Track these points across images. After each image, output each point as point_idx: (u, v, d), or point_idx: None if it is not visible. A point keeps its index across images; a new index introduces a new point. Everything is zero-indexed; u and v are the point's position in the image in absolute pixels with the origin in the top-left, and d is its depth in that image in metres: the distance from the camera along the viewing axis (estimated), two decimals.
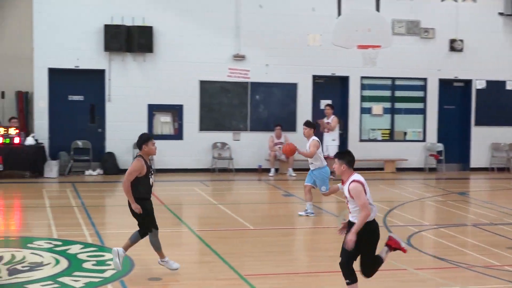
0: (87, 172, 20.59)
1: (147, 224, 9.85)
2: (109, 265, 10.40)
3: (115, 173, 20.49)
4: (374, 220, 8.22)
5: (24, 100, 20.90)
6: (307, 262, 11.39)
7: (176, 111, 21.46)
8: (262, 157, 21.93)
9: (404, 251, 8.68)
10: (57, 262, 10.64)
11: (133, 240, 9.97)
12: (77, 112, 21.00)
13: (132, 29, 20.66)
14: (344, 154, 8.46)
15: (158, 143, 20.72)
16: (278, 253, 11.54)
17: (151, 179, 9.84)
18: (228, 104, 21.82)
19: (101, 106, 21.00)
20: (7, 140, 19.33)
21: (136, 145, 10.04)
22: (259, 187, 19.92)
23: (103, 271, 10.11)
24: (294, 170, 21.44)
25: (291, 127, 22.21)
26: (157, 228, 9.95)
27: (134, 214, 9.84)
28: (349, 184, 8.19)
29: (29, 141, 19.65)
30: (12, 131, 19.47)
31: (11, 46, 20.69)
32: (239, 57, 21.70)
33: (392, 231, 12.97)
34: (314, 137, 14.54)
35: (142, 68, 21.06)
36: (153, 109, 21.27)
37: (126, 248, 9.95)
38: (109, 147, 20.95)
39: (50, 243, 11.88)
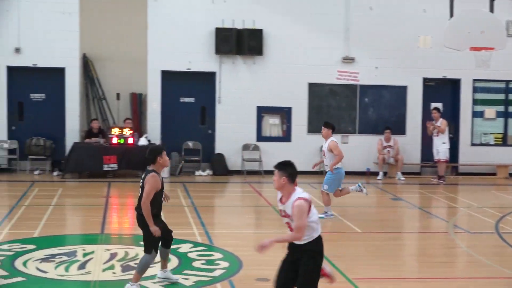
0: (197, 173, 20.96)
1: (151, 243, 9.08)
2: (218, 264, 10.57)
3: (224, 174, 20.79)
4: (320, 239, 7.38)
5: (138, 102, 21.44)
6: (414, 268, 11.24)
7: (284, 113, 21.57)
8: (371, 160, 21.75)
9: (330, 280, 7.77)
10: (168, 260, 10.88)
11: (164, 257, 9.53)
12: (188, 113, 21.39)
13: (243, 32, 20.91)
14: (285, 165, 7.47)
15: (266, 145, 21.27)
16: (385, 258, 11.44)
17: (163, 194, 9.18)
18: (336, 107, 21.77)
19: (211, 108, 21.34)
20: (122, 141, 19.85)
21: (148, 158, 9.06)
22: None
23: (212, 270, 10.27)
24: (403, 174, 21.17)
25: (400, 130, 21.95)
26: (157, 252, 9.21)
27: (144, 231, 9.10)
28: (294, 202, 7.22)
29: (142, 141, 20.11)
30: (127, 131, 19.96)
31: (127, 49, 21.27)
32: (348, 60, 21.62)
33: (504, 238, 12.66)
34: (333, 138, 14.41)
35: (251, 71, 21.28)
36: (262, 111, 21.45)
37: (163, 267, 9.57)
38: (219, 148, 21.26)
39: None
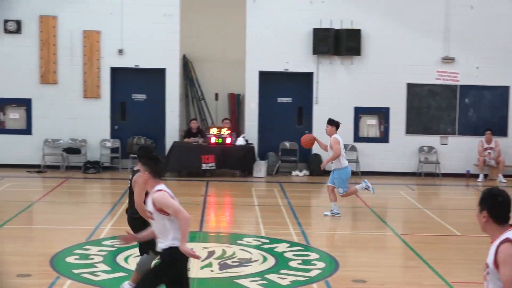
0: (293, 173, 21.01)
1: (148, 243, 8.50)
2: (315, 264, 10.59)
3: (320, 174, 20.70)
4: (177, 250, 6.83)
5: (236, 102, 21.66)
6: None
7: (382, 114, 21.37)
8: (471, 162, 21.30)
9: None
10: (265, 259, 10.93)
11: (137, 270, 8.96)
12: (285, 113, 21.47)
13: (340, 33, 20.84)
14: (149, 160, 7.03)
15: (363, 145, 21.14)
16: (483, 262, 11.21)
17: None
18: (436, 107, 21.42)
19: (308, 108, 21.36)
20: (220, 140, 20.08)
21: (140, 158, 8.49)
22: (467, 193, 19.39)
23: (308, 270, 10.31)
24: (505, 176, 20.64)
25: (502, 132, 21.40)
26: (156, 253, 8.49)
27: (136, 232, 8.51)
28: (154, 195, 6.85)
29: (240, 141, 20.29)
30: (225, 131, 20.19)
31: (225, 50, 21.52)
32: (448, 60, 21.23)
33: None
34: (336, 135, 14.40)
35: (349, 71, 21.18)
36: (359, 112, 21.32)
37: (134, 280, 8.91)
38: (316, 148, 21.22)
39: (258, 240, 12.25)
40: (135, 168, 8.76)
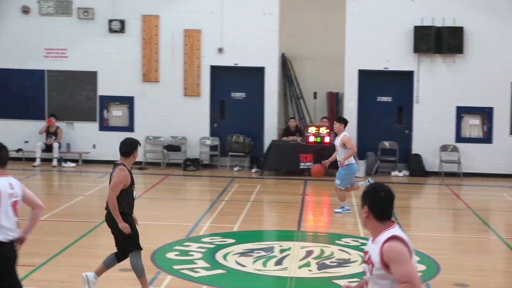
0: (393, 173, 20.72)
1: (131, 244, 8.50)
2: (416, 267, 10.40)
3: (421, 175, 20.39)
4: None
5: (334, 101, 21.54)
6: None
7: (485, 113, 20.81)
8: None
9: None
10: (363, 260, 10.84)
11: (108, 264, 8.76)
12: (384, 113, 21.21)
13: (442, 30, 20.41)
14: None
15: (465, 146, 20.67)
16: None
17: (134, 191, 8.61)
18: None
19: (408, 107, 21.02)
20: (318, 139, 20.02)
21: (122, 152, 8.61)
22: None
23: None
24: None
25: None
26: (140, 248, 8.60)
27: (115, 231, 8.54)
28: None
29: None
30: (323, 130, 20.10)
31: (324, 49, 21.38)
32: None
33: None
34: (345, 133, 14.29)
35: (451, 70, 20.72)
36: (462, 111, 20.82)
37: (99, 273, 8.77)
38: (416, 148, 20.89)
39: (357, 241, 12.13)
40: (118, 162, 8.61)
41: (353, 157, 14.47)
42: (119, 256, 8.68)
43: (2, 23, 20.90)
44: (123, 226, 8.33)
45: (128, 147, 8.58)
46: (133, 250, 8.49)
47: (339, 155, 14.38)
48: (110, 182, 8.49)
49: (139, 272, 8.54)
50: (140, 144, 8.84)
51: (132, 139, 8.74)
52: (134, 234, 8.48)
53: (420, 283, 4.93)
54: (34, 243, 10.38)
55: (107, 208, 8.51)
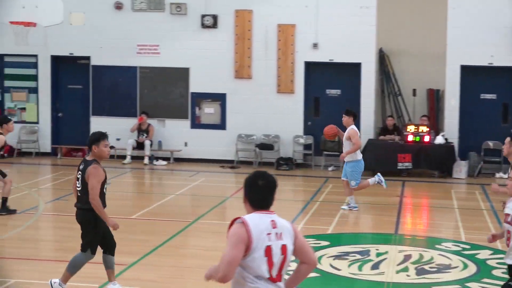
0: (497, 175, 19.68)
1: (90, 242, 8.36)
2: None
3: None
4: None
5: (435, 98, 20.76)
6: None
7: None
8: None
9: None
10: (465, 266, 10.38)
11: (109, 265, 8.60)
12: (488, 111, 20.25)
13: None
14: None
15: None
16: None
17: (106, 186, 8.42)
18: None
19: None
20: (417, 138, 19.30)
21: (87, 145, 8.47)
22: None
23: None
24: None
25: None
26: (94, 254, 8.44)
27: (84, 226, 8.42)
28: None
29: (439, 140, 19.41)
30: (423, 129, 19.40)
31: (424, 43, 20.63)
32: None
33: None
34: (353, 126, 14.09)
35: None
36: None
37: (111, 278, 8.62)
38: None
39: (458, 245, 11.68)
40: (88, 158, 8.40)
41: (359, 152, 14.18)
42: (108, 251, 8.53)
43: (95, 20, 20.93)
44: (113, 223, 8.31)
45: (88, 141, 8.42)
46: (86, 251, 8.40)
47: (344, 148, 14.17)
48: (80, 178, 8.31)
49: (73, 268, 8.43)
50: (104, 138, 8.35)
51: (93, 133, 8.54)
52: (95, 239, 8.38)
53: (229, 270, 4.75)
54: (125, 242, 10.41)
55: (76, 204, 8.44)
